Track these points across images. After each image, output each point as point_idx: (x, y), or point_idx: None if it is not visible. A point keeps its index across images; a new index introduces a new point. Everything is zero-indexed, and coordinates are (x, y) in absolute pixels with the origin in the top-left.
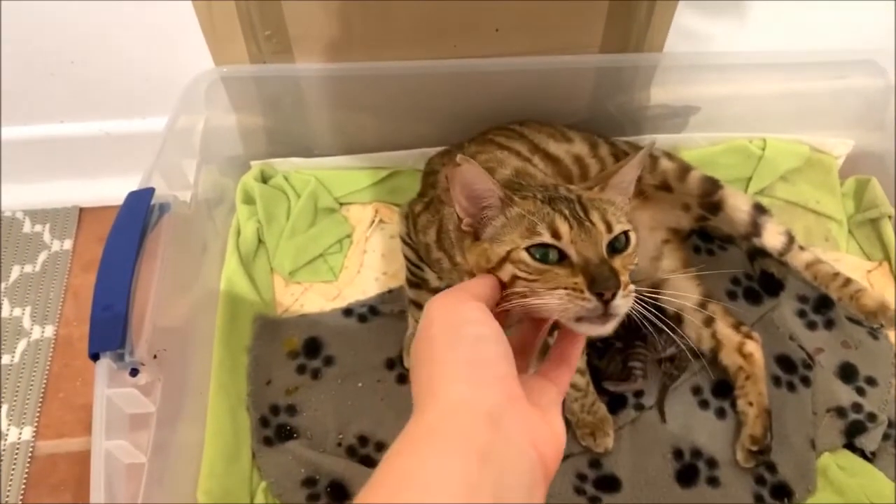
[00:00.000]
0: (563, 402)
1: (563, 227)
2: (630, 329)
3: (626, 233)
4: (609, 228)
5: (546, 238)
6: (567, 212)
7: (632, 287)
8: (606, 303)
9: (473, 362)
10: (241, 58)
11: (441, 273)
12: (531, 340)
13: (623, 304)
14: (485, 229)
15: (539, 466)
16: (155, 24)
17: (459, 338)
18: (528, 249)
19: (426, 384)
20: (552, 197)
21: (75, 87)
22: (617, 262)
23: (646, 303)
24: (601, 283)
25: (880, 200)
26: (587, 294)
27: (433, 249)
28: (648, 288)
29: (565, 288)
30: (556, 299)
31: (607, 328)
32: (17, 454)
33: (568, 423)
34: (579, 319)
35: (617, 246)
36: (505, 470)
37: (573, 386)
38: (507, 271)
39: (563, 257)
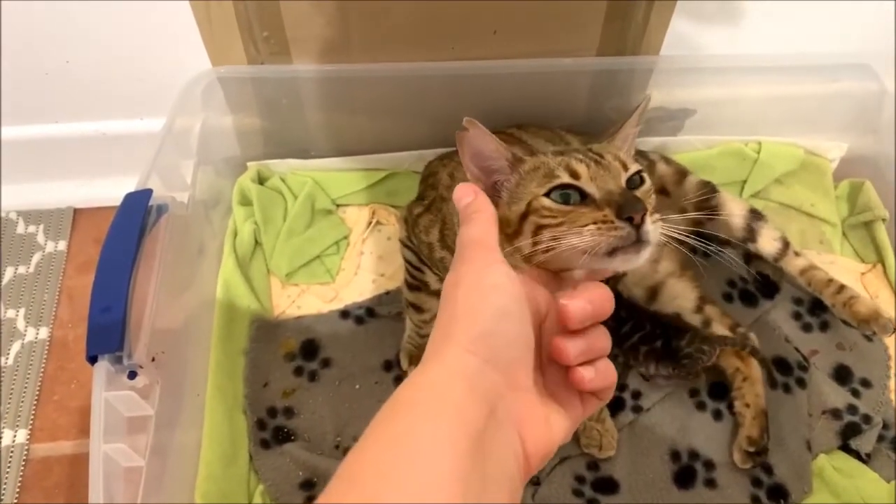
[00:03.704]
0: None
1: (581, 167)
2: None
3: (639, 173)
4: (625, 167)
5: (565, 178)
6: (581, 156)
7: (657, 216)
8: (637, 227)
9: (489, 336)
10: (238, 59)
11: (444, 273)
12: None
13: (653, 229)
14: (500, 195)
15: (521, 459)
16: (152, 24)
17: (483, 305)
18: (547, 195)
19: (439, 340)
20: (563, 151)
21: (71, 86)
22: (638, 194)
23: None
24: (629, 208)
25: (874, 203)
26: (618, 222)
27: (436, 249)
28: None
29: (594, 223)
30: (587, 236)
31: (641, 258)
32: (11, 457)
33: None
34: (612, 253)
35: (633, 185)
36: (490, 457)
37: None
38: (530, 224)
39: (583, 198)
